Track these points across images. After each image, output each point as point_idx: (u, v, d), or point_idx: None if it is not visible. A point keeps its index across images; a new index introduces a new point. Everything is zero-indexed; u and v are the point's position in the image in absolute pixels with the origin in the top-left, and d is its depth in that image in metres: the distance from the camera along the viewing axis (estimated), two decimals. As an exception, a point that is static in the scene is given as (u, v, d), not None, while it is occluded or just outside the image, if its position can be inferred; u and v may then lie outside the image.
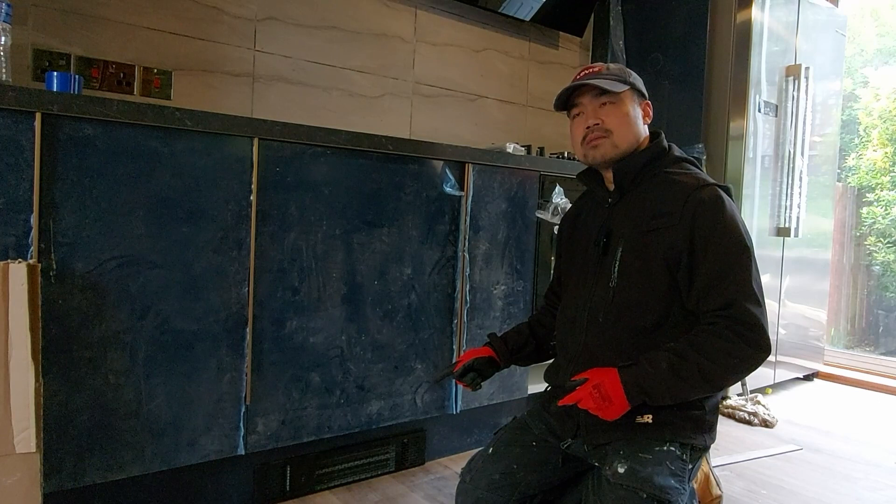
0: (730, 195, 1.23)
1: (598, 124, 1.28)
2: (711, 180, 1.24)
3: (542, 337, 1.48)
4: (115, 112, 1.32)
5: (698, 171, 1.30)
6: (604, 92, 1.27)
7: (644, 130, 1.32)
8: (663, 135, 1.34)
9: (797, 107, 2.98)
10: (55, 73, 1.51)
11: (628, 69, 1.33)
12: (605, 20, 3.13)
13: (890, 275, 4.57)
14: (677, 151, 1.32)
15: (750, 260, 1.16)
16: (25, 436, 1.13)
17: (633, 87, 1.30)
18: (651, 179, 1.28)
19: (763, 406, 2.66)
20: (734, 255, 1.16)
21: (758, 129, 2.84)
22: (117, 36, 1.94)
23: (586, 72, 1.31)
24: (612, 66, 1.32)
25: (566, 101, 1.33)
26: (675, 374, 1.12)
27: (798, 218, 3.02)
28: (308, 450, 1.75)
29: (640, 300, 1.22)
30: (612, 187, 1.33)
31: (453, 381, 1.95)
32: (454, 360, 1.42)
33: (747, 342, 1.12)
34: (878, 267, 4.61)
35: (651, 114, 1.34)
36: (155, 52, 2.01)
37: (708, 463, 1.58)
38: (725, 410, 2.64)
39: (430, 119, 2.71)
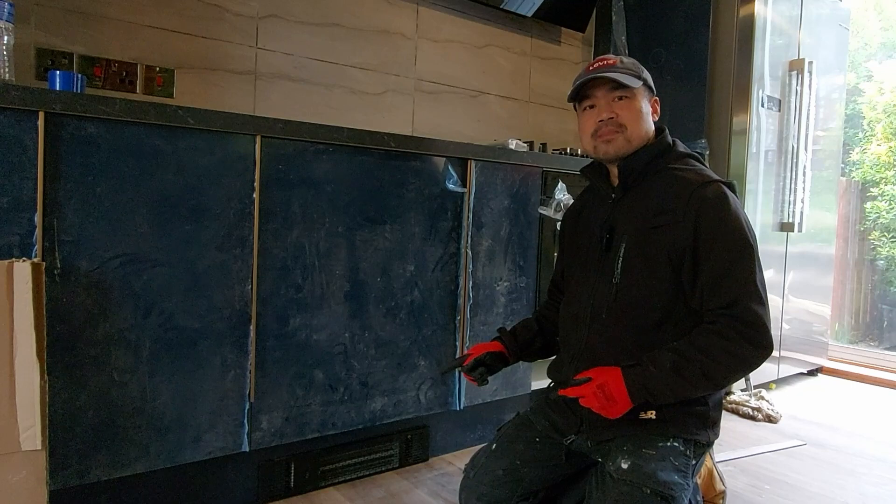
0: (734, 191, 1.23)
1: (612, 118, 1.26)
2: (716, 176, 1.24)
3: (550, 332, 1.48)
4: (117, 111, 1.32)
5: (703, 166, 1.29)
6: (620, 86, 1.26)
7: (653, 126, 1.32)
8: (667, 130, 1.33)
9: (800, 101, 2.97)
10: (58, 72, 1.51)
11: (640, 64, 1.32)
12: (608, 15, 3.12)
13: (894, 269, 4.56)
14: (681, 147, 1.32)
15: (753, 258, 1.16)
16: (31, 433, 1.13)
17: (645, 84, 1.29)
18: (655, 175, 1.28)
19: (767, 401, 2.66)
20: (737, 253, 1.16)
21: (761, 124, 2.83)
22: (120, 34, 1.94)
23: (601, 63, 1.29)
24: (625, 59, 1.30)
25: (578, 92, 1.32)
26: (677, 373, 1.12)
27: (802, 213, 3.01)
28: (312, 446, 1.76)
29: (643, 297, 1.22)
30: (616, 182, 1.33)
31: (457, 377, 1.95)
32: (463, 354, 1.41)
33: (749, 341, 1.12)
34: (882, 262, 4.59)
35: (658, 110, 1.34)
36: (157, 50, 2.01)
37: (711, 458, 1.58)
38: (729, 406, 2.64)
39: (433, 116, 2.70)
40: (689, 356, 1.13)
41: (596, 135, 1.28)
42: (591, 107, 1.30)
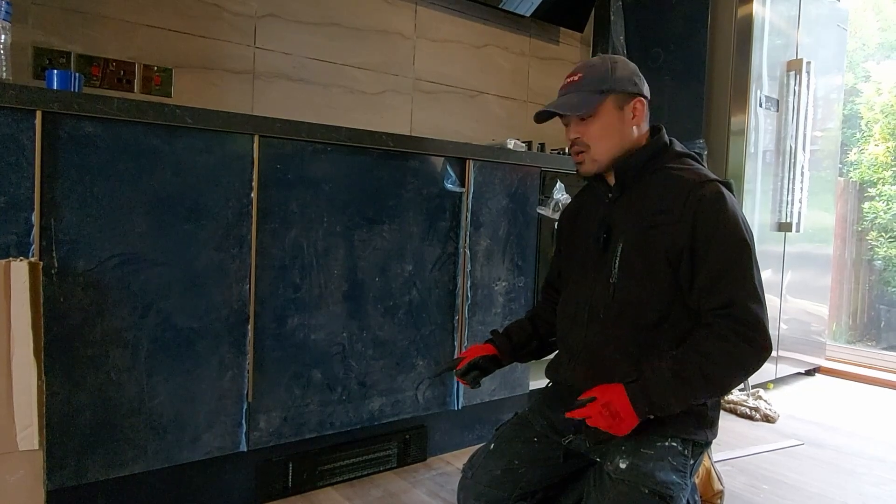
0: (731, 190, 1.23)
1: (577, 138, 1.28)
2: (713, 176, 1.24)
3: (544, 333, 1.48)
4: (115, 110, 1.32)
5: (700, 166, 1.29)
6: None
7: (633, 132, 1.28)
8: (664, 130, 1.32)
9: (798, 101, 2.97)
10: (55, 72, 1.51)
11: (614, 65, 1.27)
12: (606, 15, 3.12)
13: (892, 269, 4.57)
14: (678, 146, 1.32)
15: (751, 257, 1.16)
16: (28, 433, 1.13)
17: (614, 92, 1.25)
18: (652, 175, 1.27)
19: (765, 401, 2.67)
20: (735, 252, 1.16)
21: (759, 124, 2.83)
22: (118, 34, 1.94)
23: (567, 81, 1.29)
24: (590, 70, 1.27)
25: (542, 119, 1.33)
26: (680, 383, 1.12)
27: (799, 213, 3.01)
28: (310, 446, 1.76)
29: (641, 297, 1.21)
30: (612, 182, 1.33)
31: (455, 376, 1.95)
32: (457, 357, 1.42)
33: (749, 343, 1.12)
34: (879, 262, 4.60)
35: (643, 110, 1.28)
36: (155, 49, 2.01)
37: (709, 458, 1.58)
38: (727, 406, 2.64)
39: (431, 115, 2.70)
40: (689, 364, 1.13)
41: (571, 152, 1.32)
42: (567, 123, 1.32)
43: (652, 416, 1.15)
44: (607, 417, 1.14)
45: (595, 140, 1.26)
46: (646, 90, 1.30)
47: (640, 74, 1.31)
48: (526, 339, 1.46)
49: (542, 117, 1.32)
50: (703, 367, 1.12)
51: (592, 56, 3.24)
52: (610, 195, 1.32)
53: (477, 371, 1.38)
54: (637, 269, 1.22)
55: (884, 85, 5.27)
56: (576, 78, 1.28)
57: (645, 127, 1.31)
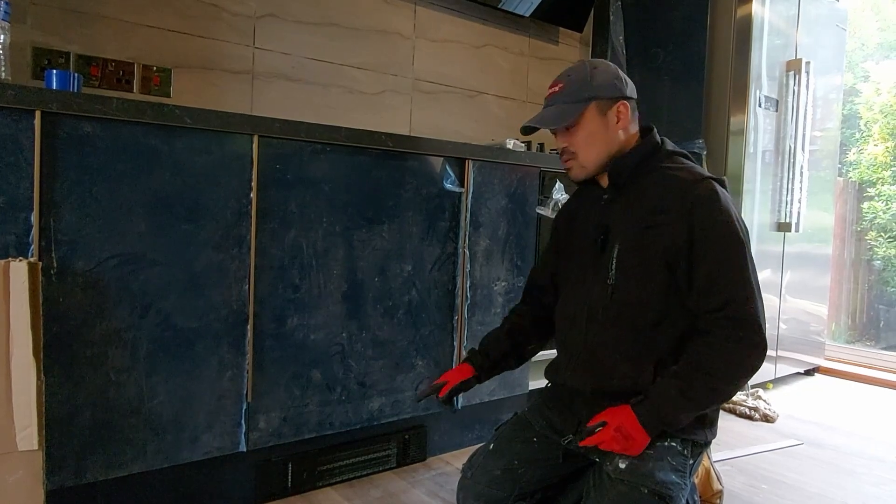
0: (724, 186, 1.23)
1: (565, 147, 1.30)
2: (706, 173, 1.24)
3: (521, 344, 1.47)
4: (114, 110, 1.32)
5: (692, 164, 1.29)
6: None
7: (620, 135, 1.28)
8: (655, 129, 1.32)
9: (798, 101, 2.97)
10: (54, 72, 1.51)
11: (594, 71, 1.27)
12: (605, 15, 3.12)
13: (891, 269, 4.58)
14: (670, 145, 1.32)
15: (746, 254, 1.17)
16: (27, 434, 1.13)
17: (595, 99, 1.25)
18: (647, 175, 1.27)
19: (764, 401, 2.67)
20: (732, 252, 1.16)
21: (758, 124, 2.83)
22: (117, 34, 1.94)
23: (549, 93, 1.30)
24: (570, 79, 1.27)
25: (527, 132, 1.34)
26: (686, 398, 1.14)
27: (799, 213, 3.01)
28: (309, 446, 1.76)
29: (639, 297, 1.22)
30: (606, 184, 1.33)
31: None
32: (438, 382, 1.42)
33: (748, 346, 1.13)
34: (878, 262, 4.61)
35: (627, 112, 1.27)
36: (154, 49, 2.01)
37: (709, 458, 1.58)
38: (726, 405, 2.64)
39: (430, 115, 2.70)
40: (692, 378, 1.14)
41: (561, 159, 1.34)
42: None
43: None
44: (621, 440, 1.15)
45: (581, 148, 1.28)
46: (629, 91, 1.29)
47: (623, 76, 1.30)
48: (503, 355, 1.45)
49: (527, 131, 1.33)
50: (709, 382, 1.13)
51: (592, 57, 3.24)
52: (605, 197, 1.32)
53: (453, 403, 1.42)
54: (635, 270, 1.22)
55: (883, 85, 5.27)
56: (556, 89, 1.29)
57: (633, 128, 1.31)
